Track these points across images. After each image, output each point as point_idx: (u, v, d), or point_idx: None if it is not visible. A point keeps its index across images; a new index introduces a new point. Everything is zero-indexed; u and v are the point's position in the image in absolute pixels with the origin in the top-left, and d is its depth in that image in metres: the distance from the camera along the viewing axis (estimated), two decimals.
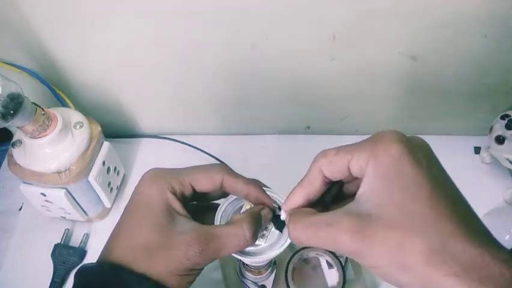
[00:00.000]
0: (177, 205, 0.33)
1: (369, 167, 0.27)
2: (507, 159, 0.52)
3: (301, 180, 0.31)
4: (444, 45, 0.50)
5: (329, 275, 0.44)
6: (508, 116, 0.53)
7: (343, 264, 0.44)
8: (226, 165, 0.35)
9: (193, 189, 0.35)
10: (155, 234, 0.31)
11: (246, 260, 0.34)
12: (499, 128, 0.53)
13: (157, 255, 0.31)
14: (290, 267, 0.44)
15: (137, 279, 0.30)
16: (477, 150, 0.62)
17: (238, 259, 0.35)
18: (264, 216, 0.34)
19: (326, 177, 0.30)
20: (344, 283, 0.43)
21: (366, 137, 0.30)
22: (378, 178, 0.26)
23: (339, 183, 0.33)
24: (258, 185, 0.36)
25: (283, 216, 0.33)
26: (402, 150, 0.26)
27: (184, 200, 0.34)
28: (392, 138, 0.27)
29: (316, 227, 0.28)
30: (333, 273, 0.44)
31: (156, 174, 0.35)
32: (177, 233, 0.32)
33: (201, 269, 0.32)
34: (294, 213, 0.31)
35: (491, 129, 0.55)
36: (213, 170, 0.35)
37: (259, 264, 0.41)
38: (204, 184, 0.35)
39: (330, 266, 0.45)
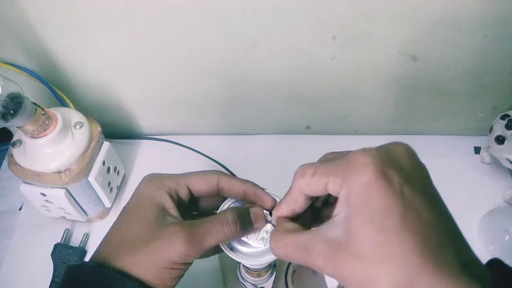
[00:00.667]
0: (170, 204, 0.33)
1: (342, 192, 0.26)
2: (507, 159, 0.52)
3: (284, 196, 0.32)
4: (444, 45, 0.50)
5: (329, 279, 0.44)
6: (508, 116, 0.53)
7: None
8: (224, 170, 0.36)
9: (190, 192, 0.35)
10: (141, 229, 0.32)
11: (246, 262, 0.34)
12: (499, 128, 0.53)
13: (141, 248, 0.31)
14: (290, 269, 0.44)
15: (120, 277, 0.29)
16: (477, 150, 0.62)
17: (238, 261, 0.34)
18: (254, 213, 0.34)
19: (307, 195, 0.30)
20: (343, 287, 0.43)
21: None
22: (348, 206, 0.25)
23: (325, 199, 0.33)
24: (255, 184, 0.36)
25: (274, 221, 0.34)
26: (374, 175, 0.24)
27: (180, 202, 0.35)
28: (363, 162, 0.25)
29: (293, 248, 0.28)
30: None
31: (153, 176, 0.35)
32: (163, 226, 0.32)
33: (187, 264, 0.31)
34: (276, 228, 0.32)
35: (491, 129, 0.55)
36: (209, 172, 0.36)
37: (259, 267, 0.41)
38: (199, 185, 0.35)
39: None
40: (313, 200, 0.32)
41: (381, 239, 0.23)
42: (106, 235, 0.33)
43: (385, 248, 0.23)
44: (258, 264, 0.34)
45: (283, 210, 0.32)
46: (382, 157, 0.25)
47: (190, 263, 0.32)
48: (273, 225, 0.34)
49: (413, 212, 0.24)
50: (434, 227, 0.24)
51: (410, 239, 0.23)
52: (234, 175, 0.59)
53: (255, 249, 0.34)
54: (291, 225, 0.31)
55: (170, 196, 0.34)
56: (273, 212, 0.33)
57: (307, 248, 0.27)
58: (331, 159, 0.29)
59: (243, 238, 0.34)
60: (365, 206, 0.24)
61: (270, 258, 0.33)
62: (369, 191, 0.24)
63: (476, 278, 0.22)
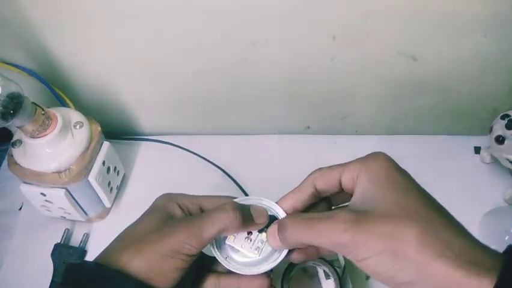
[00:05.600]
0: (179, 212, 0.35)
1: (361, 175, 0.30)
2: (507, 159, 0.52)
3: (293, 190, 0.34)
4: (444, 45, 0.50)
5: (325, 285, 0.44)
6: (508, 116, 0.53)
7: (340, 275, 0.44)
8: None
9: (201, 210, 0.37)
10: (148, 225, 0.33)
11: (240, 272, 0.34)
12: (499, 128, 0.53)
13: (143, 238, 0.32)
14: (287, 275, 0.44)
15: (121, 278, 0.30)
16: (477, 150, 0.62)
17: (232, 271, 0.34)
18: (254, 208, 0.34)
19: (316, 190, 0.33)
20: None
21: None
22: (370, 183, 0.29)
23: (327, 204, 0.35)
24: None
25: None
26: (390, 162, 0.30)
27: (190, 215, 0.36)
28: (379, 154, 0.30)
29: (314, 221, 0.29)
30: (330, 284, 0.44)
31: (169, 193, 0.37)
32: (167, 223, 0.33)
33: (189, 256, 0.31)
34: (286, 216, 0.34)
35: (491, 129, 0.55)
36: (222, 197, 0.37)
37: None
38: (211, 207, 0.36)
39: (327, 276, 0.44)
40: (315, 200, 0.33)
41: (407, 202, 0.27)
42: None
43: (411, 208, 0.27)
44: (253, 273, 0.34)
45: (287, 200, 0.33)
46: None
47: (193, 256, 0.32)
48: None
49: (426, 192, 0.28)
50: (444, 209, 0.28)
51: (432, 205, 0.27)
52: (231, 177, 0.59)
53: (249, 259, 0.34)
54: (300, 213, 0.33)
55: (181, 209, 0.35)
56: (278, 203, 0.34)
57: (330, 216, 0.28)
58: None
59: (237, 247, 0.34)
60: (387, 180, 0.28)
61: (264, 268, 0.33)
62: (388, 171, 0.29)
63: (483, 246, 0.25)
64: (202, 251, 0.35)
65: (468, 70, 0.53)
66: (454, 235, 0.25)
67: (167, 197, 0.36)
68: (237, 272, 0.34)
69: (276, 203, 0.35)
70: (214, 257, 0.35)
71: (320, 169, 0.32)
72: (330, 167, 0.32)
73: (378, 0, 0.45)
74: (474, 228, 0.54)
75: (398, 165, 0.29)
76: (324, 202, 0.35)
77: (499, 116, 0.54)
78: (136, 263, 0.30)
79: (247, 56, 0.52)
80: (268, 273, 0.37)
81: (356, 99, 0.59)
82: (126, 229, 0.35)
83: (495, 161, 0.58)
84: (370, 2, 0.45)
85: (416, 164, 0.57)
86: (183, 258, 0.31)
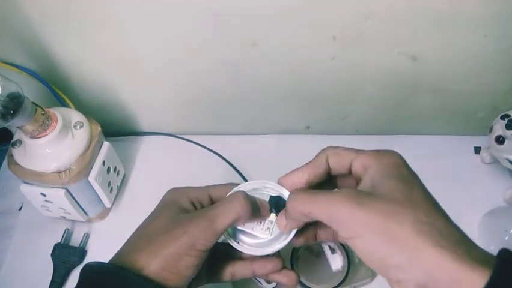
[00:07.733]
0: (189, 206, 0.35)
1: (373, 166, 0.30)
2: (507, 159, 0.52)
3: (306, 163, 0.34)
4: (444, 45, 0.50)
5: (332, 260, 0.45)
6: (508, 116, 0.53)
7: (346, 248, 0.46)
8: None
9: (211, 201, 0.37)
10: (161, 224, 0.33)
11: (253, 253, 0.35)
12: (499, 128, 0.53)
13: (158, 238, 0.32)
14: (294, 256, 0.46)
15: (139, 280, 0.30)
16: (477, 150, 0.62)
17: (246, 255, 0.36)
18: (259, 200, 0.36)
19: (328, 166, 0.33)
20: (348, 266, 0.45)
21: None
22: (380, 174, 0.29)
23: (332, 185, 0.35)
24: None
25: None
26: (402, 161, 0.30)
27: (201, 207, 0.37)
28: (394, 153, 0.31)
29: (317, 193, 0.30)
30: (337, 258, 0.45)
31: (178, 187, 0.38)
32: (181, 219, 0.33)
33: (203, 251, 0.32)
34: (293, 192, 0.34)
35: (491, 129, 0.55)
36: (226, 183, 0.38)
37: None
38: (219, 193, 0.37)
39: (333, 251, 0.46)
40: (325, 177, 0.34)
41: (408, 192, 0.28)
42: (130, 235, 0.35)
43: (411, 198, 0.27)
44: (265, 253, 0.35)
45: (300, 172, 0.33)
46: None
47: (206, 251, 0.32)
48: (276, 215, 0.35)
49: (428, 191, 0.29)
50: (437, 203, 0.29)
51: (432, 201, 0.28)
52: (239, 171, 0.60)
53: (261, 239, 0.35)
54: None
55: (193, 203, 0.36)
56: (287, 175, 0.34)
57: (331, 192, 0.29)
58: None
59: (248, 230, 0.35)
60: (395, 173, 0.29)
61: (277, 246, 0.35)
62: (398, 167, 0.30)
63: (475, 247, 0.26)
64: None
65: (468, 70, 0.53)
66: (451, 228, 0.26)
67: (177, 191, 0.37)
68: (250, 253, 0.35)
69: (290, 173, 0.35)
70: (226, 246, 0.36)
71: (334, 147, 0.33)
72: (345, 148, 0.33)
73: (378, 0, 0.45)
74: (474, 228, 0.54)
75: (409, 166, 0.31)
76: (330, 182, 0.35)
77: (499, 116, 0.54)
78: (153, 265, 0.31)
79: (247, 56, 0.52)
80: (279, 255, 0.38)
81: (356, 99, 0.59)
82: (138, 229, 0.35)
83: (495, 161, 0.58)
84: (370, 2, 0.45)
85: (416, 164, 0.58)
86: (197, 254, 0.32)
